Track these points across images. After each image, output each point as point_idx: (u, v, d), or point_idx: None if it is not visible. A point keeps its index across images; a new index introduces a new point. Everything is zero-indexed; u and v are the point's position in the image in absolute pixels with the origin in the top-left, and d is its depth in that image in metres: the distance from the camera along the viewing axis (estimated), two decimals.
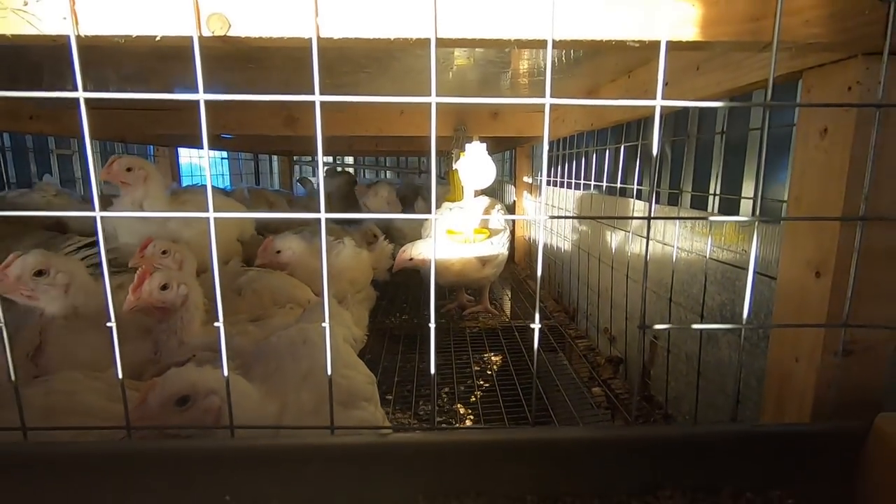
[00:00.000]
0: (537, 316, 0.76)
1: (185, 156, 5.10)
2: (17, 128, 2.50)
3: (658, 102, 0.68)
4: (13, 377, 0.70)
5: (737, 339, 1.29)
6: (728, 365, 1.33)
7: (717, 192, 1.71)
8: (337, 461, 0.77)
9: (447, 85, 1.88)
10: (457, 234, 2.48)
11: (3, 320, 0.68)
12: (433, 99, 0.66)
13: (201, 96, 0.65)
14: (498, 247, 2.50)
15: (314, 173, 7.42)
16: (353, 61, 1.36)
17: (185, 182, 5.11)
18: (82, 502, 0.71)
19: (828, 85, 0.82)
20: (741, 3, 0.66)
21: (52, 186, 2.86)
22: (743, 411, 1.24)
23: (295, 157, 6.89)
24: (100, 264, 0.70)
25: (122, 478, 0.72)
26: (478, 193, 2.63)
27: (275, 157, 7.22)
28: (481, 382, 2.10)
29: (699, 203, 1.92)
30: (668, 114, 2.03)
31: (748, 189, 1.84)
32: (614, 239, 2.15)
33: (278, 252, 2.11)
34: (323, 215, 0.69)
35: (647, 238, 0.72)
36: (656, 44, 0.69)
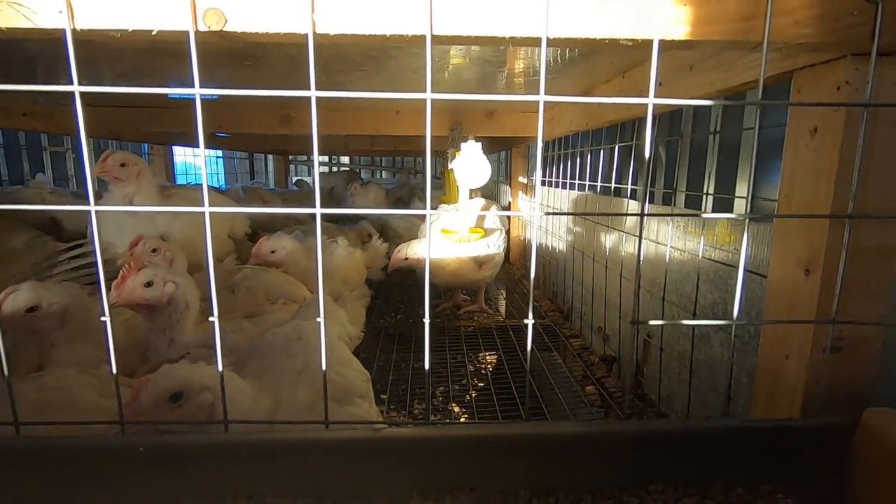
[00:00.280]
0: (531, 313, 0.76)
1: (180, 154, 5.08)
2: (10, 125, 2.49)
3: (651, 100, 0.69)
4: (5, 371, 0.70)
5: (729, 337, 1.30)
6: (720, 363, 1.34)
7: (711, 191, 1.73)
8: (331, 456, 0.77)
9: (443, 84, 1.89)
10: (452, 234, 2.49)
11: None
12: (428, 95, 0.67)
13: (197, 91, 0.65)
14: (493, 247, 2.51)
15: (309, 173, 7.42)
16: (349, 59, 1.36)
17: (180, 181, 5.09)
18: (75, 497, 0.71)
19: (818, 85, 0.84)
20: (732, 3, 0.67)
21: (46, 184, 2.84)
22: (734, 408, 1.25)
23: (290, 157, 6.87)
24: (94, 260, 0.70)
25: (116, 473, 0.72)
26: (473, 193, 2.65)
27: (270, 157, 7.20)
28: (476, 381, 2.10)
29: (693, 203, 1.93)
30: (662, 114, 2.05)
31: (742, 189, 1.86)
32: (608, 239, 2.16)
33: (272, 252, 2.11)
34: (318, 210, 0.69)
35: (640, 235, 0.73)
36: (649, 43, 0.69)
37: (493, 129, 2.71)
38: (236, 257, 2.40)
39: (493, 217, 2.62)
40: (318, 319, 0.73)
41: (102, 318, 0.69)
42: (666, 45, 0.69)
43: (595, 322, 2.31)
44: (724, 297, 1.33)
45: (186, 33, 0.64)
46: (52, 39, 0.71)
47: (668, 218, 1.61)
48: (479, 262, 2.49)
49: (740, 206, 1.64)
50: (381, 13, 0.67)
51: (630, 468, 0.79)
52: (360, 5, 0.66)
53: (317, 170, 0.67)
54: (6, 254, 1.26)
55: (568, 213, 2.33)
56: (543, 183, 3.53)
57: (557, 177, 3.19)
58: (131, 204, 1.99)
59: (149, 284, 1.41)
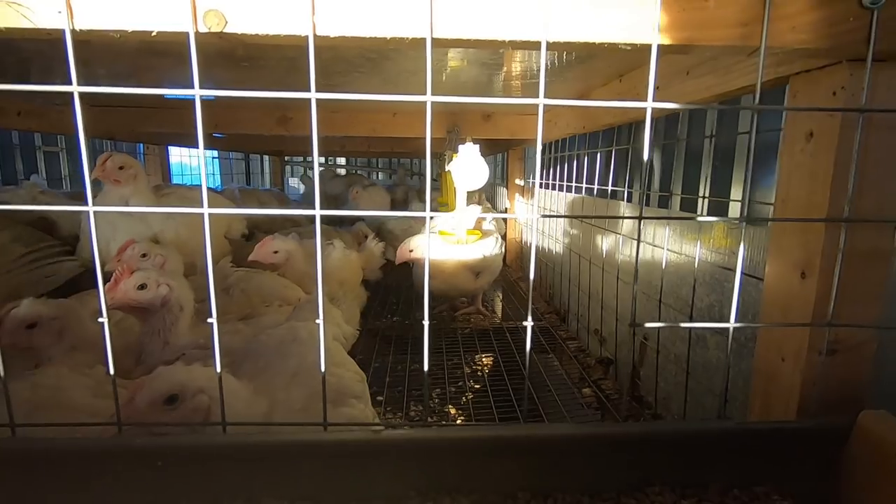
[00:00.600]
0: (529, 315, 0.77)
1: (176, 155, 5.06)
2: (5, 124, 2.46)
3: (649, 104, 0.69)
4: (1, 372, 0.70)
5: (725, 340, 1.31)
6: (716, 365, 1.35)
7: (707, 195, 1.74)
8: (329, 458, 0.77)
9: (441, 86, 1.90)
10: (449, 236, 2.49)
11: None
12: (428, 98, 0.67)
13: (197, 92, 0.65)
14: (490, 248, 2.51)
15: (306, 174, 7.40)
16: (347, 61, 1.36)
17: (176, 181, 5.06)
18: (71, 499, 0.70)
19: (813, 90, 0.84)
20: (731, 8, 0.68)
21: (39, 186, 2.83)
22: (730, 410, 1.25)
23: (286, 158, 6.86)
24: (92, 260, 0.70)
25: (111, 475, 0.72)
26: (470, 194, 2.65)
27: (266, 157, 7.18)
28: (472, 384, 2.10)
29: (689, 206, 1.94)
30: (657, 118, 2.06)
31: (737, 192, 1.88)
32: (605, 241, 2.17)
33: (275, 252, 2.10)
34: (318, 212, 0.69)
35: (638, 238, 0.73)
36: (647, 47, 0.70)
37: (490, 132, 2.71)
38: (231, 259, 2.39)
39: (490, 221, 2.62)
40: (318, 321, 0.73)
41: (100, 320, 0.68)
42: (664, 50, 0.70)
43: (592, 324, 2.31)
44: (720, 299, 1.34)
45: (186, 35, 0.64)
46: (49, 39, 0.71)
47: (665, 221, 1.62)
48: (476, 272, 2.49)
49: (735, 209, 1.65)
50: (381, 16, 0.67)
51: (628, 470, 0.80)
52: (361, 8, 0.66)
53: (316, 171, 0.67)
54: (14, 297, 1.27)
55: (566, 216, 2.34)
56: (540, 186, 3.55)
57: (554, 179, 3.20)
58: (127, 205, 1.98)
59: (142, 287, 1.39)
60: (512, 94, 2.24)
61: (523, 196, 3.85)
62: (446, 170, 2.69)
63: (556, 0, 0.66)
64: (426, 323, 0.75)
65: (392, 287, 3.31)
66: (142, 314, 1.44)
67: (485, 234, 2.55)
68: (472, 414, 1.81)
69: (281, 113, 2.62)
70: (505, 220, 3.98)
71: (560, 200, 2.96)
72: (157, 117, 2.63)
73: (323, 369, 0.75)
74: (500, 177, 4.59)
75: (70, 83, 0.63)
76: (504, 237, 3.01)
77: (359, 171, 7.50)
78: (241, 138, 4.15)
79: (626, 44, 0.70)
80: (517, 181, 3.92)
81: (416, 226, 3.89)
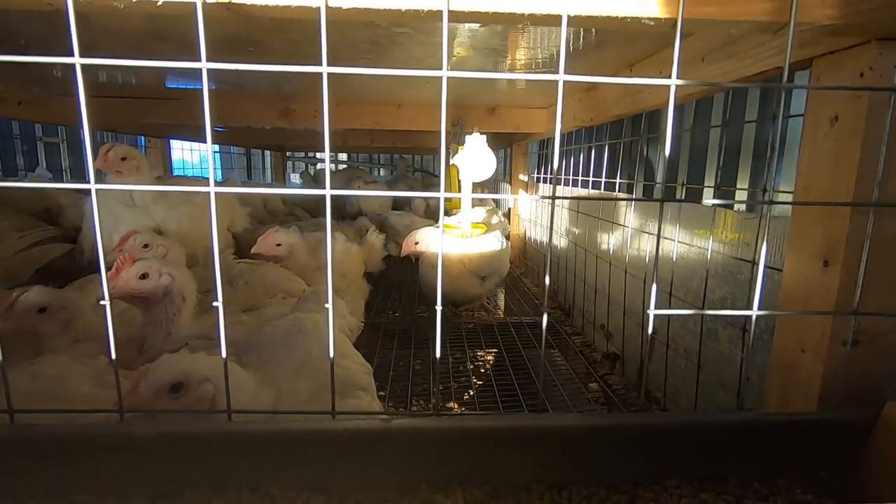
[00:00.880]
0: (545, 305, 0.74)
1: (177, 149, 5.03)
2: (5, 113, 2.44)
3: (673, 82, 0.67)
4: None
5: (737, 333, 1.29)
6: (728, 359, 1.32)
7: (713, 184, 1.72)
8: (337, 447, 0.74)
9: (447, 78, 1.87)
10: (454, 229, 2.46)
11: None
12: (444, 73, 0.65)
13: (204, 65, 0.62)
14: (494, 243, 2.48)
15: (307, 169, 7.37)
16: (354, 46, 1.34)
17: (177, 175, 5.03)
18: (74, 487, 0.68)
19: (838, 72, 0.82)
20: None
21: (43, 177, 2.81)
22: (742, 404, 1.23)
23: (288, 153, 6.82)
24: (94, 245, 0.67)
25: (114, 462, 0.69)
26: (476, 186, 2.62)
27: (267, 152, 7.15)
28: (474, 380, 2.08)
29: (695, 196, 1.92)
30: (663, 109, 2.04)
31: (743, 182, 1.85)
32: (612, 235, 2.15)
33: (278, 245, 2.08)
34: (328, 192, 0.67)
35: (660, 223, 0.71)
36: (671, 22, 0.67)
37: (496, 125, 2.68)
38: (234, 252, 2.37)
39: (498, 218, 2.59)
40: (327, 305, 0.70)
41: (102, 302, 0.66)
42: (690, 25, 0.67)
43: (598, 319, 2.29)
44: (732, 291, 1.31)
45: (193, 4, 0.62)
46: (51, 10, 0.68)
47: (677, 213, 1.59)
48: (482, 276, 2.47)
49: (743, 198, 1.63)
50: None
51: (644, 462, 0.77)
52: None
53: (327, 151, 0.65)
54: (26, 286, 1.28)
55: (584, 199, 2.30)
56: (544, 180, 3.52)
57: (559, 173, 3.17)
58: (130, 196, 1.95)
59: (144, 276, 1.37)
60: (517, 85, 2.21)
61: (527, 192, 3.82)
62: (451, 163, 2.66)
63: None
64: (439, 309, 0.73)
65: (394, 282, 3.29)
66: (144, 304, 1.42)
67: (490, 228, 2.53)
68: (478, 408, 1.79)
69: (284, 105, 2.59)
70: (508, 216, 3.95)
71: (564, 194, 2.93)
72: (159, 108, 2.60)
73: (331, 355, 0.73)
74: (503, 173, 4.56)
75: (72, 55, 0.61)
76: (507, 237, 2.97)
77: (360, 167, 7.47)
78: (243, 132, 4.11)
79: (649, 18, 0.67)
80: (521, 177, 3.90)
81: (418, 222, 3.87)
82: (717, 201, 1.73)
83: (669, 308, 1.58)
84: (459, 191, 2.60)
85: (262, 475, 0.73)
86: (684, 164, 2.13)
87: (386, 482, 0.75)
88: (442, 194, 0.69)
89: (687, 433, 0.78)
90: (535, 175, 3.77)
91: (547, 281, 0.72)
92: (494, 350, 2.32)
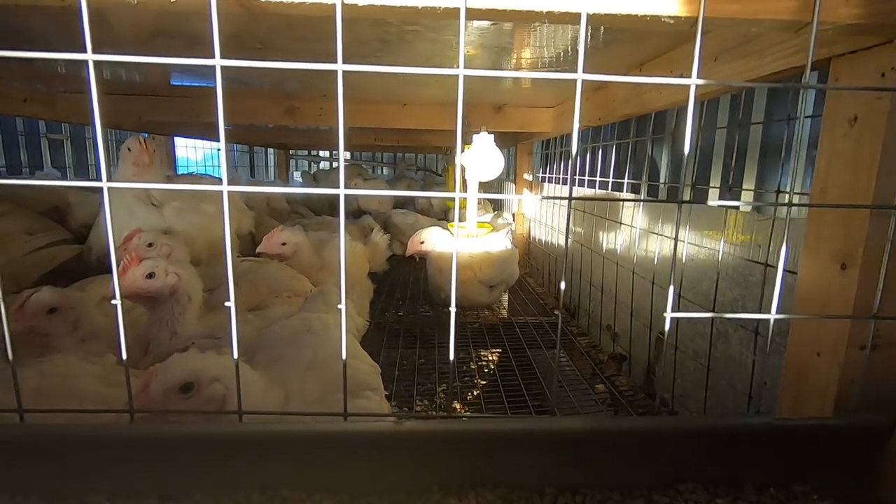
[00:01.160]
0: (560, 305, 0.73)
1: (181, 146, 5.03)
2: (11, 110, 2.43)
3: (693, 81, 0.66)
4: (10, 356, 0.67)
5: (748, 335, 1.27)
6: (738, 362, 1.31)
7: (717, 185, 1.70)
8: (349, 449, 0.74)
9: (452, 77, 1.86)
10: (460, 228, 2.45)
11: (1, 297, 0.64)
12: (461, 71, 0.64)
13: (218, 62, 0.61)
14: (500, 243, 2.47)
15: (310, 168, 7.37)
16: (364, 44, 1.33)
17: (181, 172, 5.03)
18: (84, 488, 0.67)
19: (858, 72, 0.81)
20: None
21: (52, 175, 2.81)
22: (754, 407, 1.22)
23: (291, 151, 6.82)
24: (103, 247, 0.67)
25: (125, 463, 0.69)
26: (482, 185, 2.60)
27: (270, 150, 7.14)
28: (479, 380, 2.07)
29: (702, 197, 1.91)
30: (669, 110, 2.03)
31: (749, 182, 1.84)
32: (619, 236, 2.14)
33: (283, 244, 2.08)
34: (342, 191, 0.66)
35: (678, 222, 0.70)
36: (691, 20, 0.66)
37: (502, 124, 2.67)
38: (239, 253, 2.36)
39: (504, 216, 2.58)
40: (340, 306, 0.69)
41: (113, 302, 0.65)
42: (710, 24, 0.66)
43: (604, 320, 2.28)
44: (743, 293, 1.30)
45: (207, 1, 0.61)
46: (63, 6, 0.67)
47: (687, 214, 1.57)
48: (490, 285, 2.46)
49: (747, 198, 1.61)
50: None
51: (660, 466, 0.77)
52: None
53: (342, 150, 0.64)
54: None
55: (600, 199, 2.28)
56: (549, 180, 3.51)
57: (564, 173, 3.16)
58: (147, 194, 1.96)
59: (150, 276, 1.37)
60: (522, 85, 2.20)
61: (532, 191, 3.81)
62: (454, 163, 2.64)
63: None
64: (452, 311, 0.72)
65: (398, 281, 3.28)
66: (149, 303, 1.41)
67: (497, 227, 2.52)
68: (484, 408, 1.78)
69: (289, 103, 2.58)
70: (513, 216, 3.94)
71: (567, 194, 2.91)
72: (164, 106, 2.59)
73: (344, 356, 0.72)
74: (506, 173, 4.55)
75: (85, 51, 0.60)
76: (512, 233, 2.96)
77: (363, 166, 7.46)
78: (247, 130, 4.11)
79: (669, 16, 0.66)
80: (525, 176, 3.88)
81: (422, 221, 3.86)
82: (734, 203, 1.72)
83: (678, 310, 1.57)
84: (464, 190, 2.59)
85: (273, 476, 0.72)
86: (690, 164, 2.12)
87: (397, 484, 0.74)
88: (457, 194, 0.68)
89: (702, 437, 0.78)
90: (540, 174, 3.76)
91: (562, 285, 0.71)
92: (499, 350, 2.31)
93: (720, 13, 0.65)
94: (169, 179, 2.33)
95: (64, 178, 3.73)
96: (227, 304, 0.68)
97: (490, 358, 2.30)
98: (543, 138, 3.53)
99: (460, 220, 2.50)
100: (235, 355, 0.72)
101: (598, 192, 2.57)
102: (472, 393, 2.03)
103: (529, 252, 3.95)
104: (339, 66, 0.63)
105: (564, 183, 3.11)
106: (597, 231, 2.42)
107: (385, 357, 2.16)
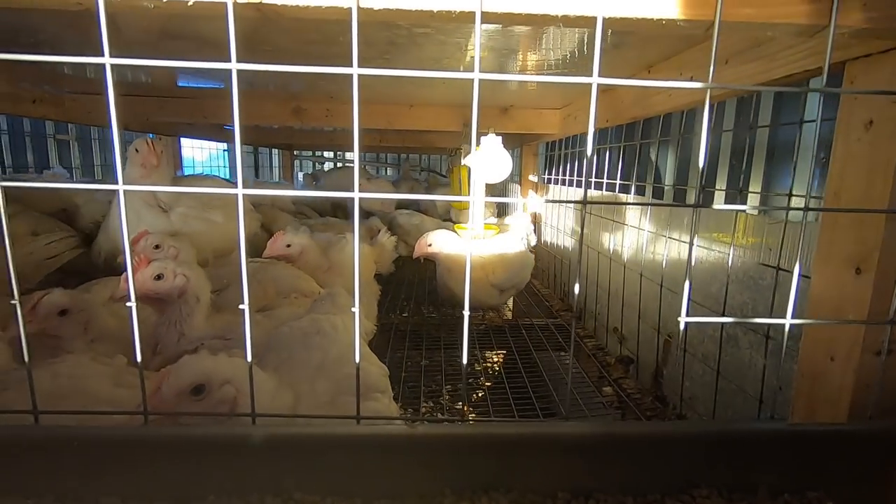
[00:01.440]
0: (575, 308, 0.73)
1: (187, 147, 5.05)
2: (20, 111, 2.45)
3: (709, 85, 0.65)
4: (26, 358, 0.67)
5: (759, 339, 1.27)
6: (749, 365, 1.31)
7: (723, 187, 1.70)
8: (361, 452, 0.74)
9: (458, 81, 1.86)
10: (465, 230, 2.45)
11: (17, 298, 0.64)
12: (476, 75, 0.64)
13: (234, 66, 0.62)
14: (511, 245, 2.46)
15: (314, 168, 7.38)
16: (373, 46, 1.33)
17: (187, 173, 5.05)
18: (96, 490, 0.68)
19: (874, 75, 0.80)
20: None
21: (61, 176, 2.83)
22: (764, 412, 1.21)
23: (296, 152, 6.83)
24: (114, 242, 0.67)
25: (138, 465, 0.69)
26: (488, 187, 2.60)
27: (275, 151, 7.16)
28: (485, 381, 2.07)
29: (708, 199, 1.89)
30: (676, 112, 2.02)
31: (755, 185, 1.83)
32: (627, 237, 2.13)
33: (288, 246, 2.08)
34: (357, 195, 0.66)
35: (693, 228, 0.69)
36: (706, 24, 0.66)
37: (508, 126, 2.67)
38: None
39: (518, 221, 2.56)
40: (354, 309, 0.69)
41: (128, 304, 0.65)
42: (724, 28, 0.66)
43: (610, 322, 2.27)
44: (754, 297, 1.30)
45: (224, 4, 0.61)
46: (79, 10, 0.68)
47: (696, 217, 1.57)
48: (501, 289, 2.45)
49: (753, 201, 1.61)
50: None
51: (672, 471, 0.76)
52: None
53: (357, 152, 0.64)
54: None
55: (614, 203, 2.27)
56: (554, 181, 3.50)
57: (570, 174, 3.16)
58: (153, 196, 1.97)
59: (159, 277, 1.37)
60: (527, 87, 2.20)
61: (537, 192, 3.80)
62: (462, 164, 2.64)
63: None
64: (466, 314, 0.72)
65: (403, 282, 3.28)
66: (158, 305, 1.42)
67: (504, 229, 2.51)
68: (492, 410, 1.77)
69: (296, 104, 2.59)
70: (533, 216, 3.93)
71: (573, 196, 2.91)
72: (171, 107, 2.60)
73: (358, 360, 0.72)
74: (513, 174, 4.54)
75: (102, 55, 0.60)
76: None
77: (366, 167, 7.46)
78: (252, 131, 4.12)
79: (684, 20, 0.66)
80: (531, 177, 3.88)
81: (427, 222, 3.86)
82: (750, 207, 1.71)
83: (687, 314, 1.56)
84: (469, 192, 2.59)
85: (286, 479, 0.73)
86: (696, 167, 2.11)
87: (410, 488, 0.74)
88: (472, 197, 0.68)
89: (717, 442, 0.77)
90: (545, 176, 3.76)
91: (576, 289, 0.70)
92: (505, 352, 2.31)
93: (735, 17, 0.65)
94: (175, 180, 2.34)
95: (71, 178, 3.75)
96: (241, 306, 0.68)
97: (496, 360, 2.30)
98: (551, 139, 3.52)
99: (466, 222, 2.50)
100: (249, 358, 0.72)
101: (605, 194, 2.56)
102: (478, 394, 2.03)
103: (535, 253, 3.94)
104: (355, 70, 0.63)
105: (570, 184, 3.10)
106: (602, 232, 2.41)
107: (391, 358, 2.16)
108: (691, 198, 2.05)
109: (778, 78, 1.03)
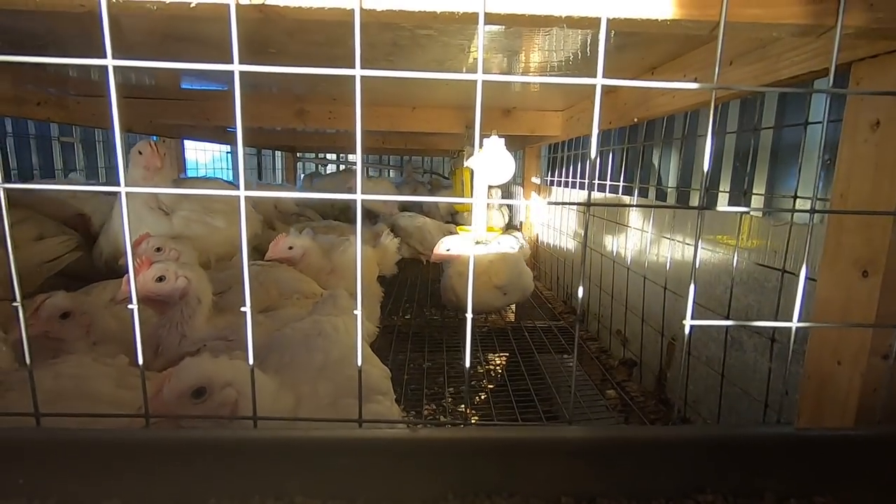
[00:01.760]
0: (580, 311, 0.72)
1: (190, 149, 5.06)
2: (24, 113, 2.45)
3: (714, 86, 0.65)
4: (28, 361, 0.67)
5: (764, 342, 1.26)
6: (753, 369, 1.29)
7: (727, 189, 1.69)
8: (364, 455, 0.73)
9: (461, 82, 1.86)
10: (468, 233, 2.45)
11: (20, 301, 0.64)
12: (479, 76, 0.63)
13: (237, 67, 0.61)
14: (509, 246, 2.46)
15: (317, 169, 7.39)
16: (376, 48, 1.33)
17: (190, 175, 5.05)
18: (97, 493, 0.67)
19: (880, 76, 0.80)
20: None
21: (78, 181, 2.83)
22: (770, 415, 1.20)
23: (298, 154, 6.84)
24: (124, 243, 0.67)
25: (139, 469, 0.69)
26: (491, 188, 2.60)
27: (278, 153, 7.17)
28: (487, 384, 2.06)
29: (712, 200, 1.88)
30: (678, 114, 2.02)
31: (759, 187, 1.82)
32: (629, 239, 2.12)
33: (290, 248, 2.08)
34: (359, 196, 0.66)
35: (698, 231, 0.69)
36: (711, 25, 0.66)
37: (510, 128, 2.67)
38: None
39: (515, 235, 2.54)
40: (355, 312, 0.69)
41: (130, 306, 0.65)
42: (730, 29, 0.65)
43: (613, 325, 2.26)
44: (759, 299, 1.29)
45: (227, 7, 0.61)
46: (83, 12, 0.68)
47: (700, 220, 1.56)
48: (504, 291, 2.45)
49: (757, 203, 1.60)
50: None
51: (677, 475, 0.75)
52: None
53: (359, 154, 0.64)
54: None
55: (619, 206, 2.27)
56: (556, 183, 3.49)
57: (572, 176, 3.15)
58: (155, 199, 1.98)
59: (161, 279, 1.38)
60: (530, 89, 2.20)
61: (539, 194, 3.80)
62: (464, 166, 2.64)
63: None
64: (469, 317, 0.71)
65: (405, 284, 3.28)
66: (159, 306, 1.42)
67: (504, 230, 2.50)
68: (494, 413, 1.77)
69: (299, 106, 2.59)
70: (522, 234, 3.93)
71: (577, 198, 2.90)
72: (175, 109, 2.61)
73: (360, 363, 0.71)
74: (516, 175, 4.53)
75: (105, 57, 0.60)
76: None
77: (369, 169, 7.47)
78: (255, 133, 4.13)
79: (689, 21, 0.65)
80: (534, 179, 3.87)
81: (429, 224, 3.86)
82: (755, 209, 1.70)
83: (692, 316, 1.55)
84: (471, 195, 2.58)
85: (288, 482, 0.72)
86: (699, 169, 2.11)
87: (413, 491, 0.73)
88: (477, 199, 0.68)
89: (722, 446, 0.76)
90: (548, 178, 3.75)
91: (580, 291, 0.70)
92: (507, 354, 2.30)
93: (741, 17, 0.64)
94: (177, 184, 2.35)
95: (77, 182, 3.76)
96: (242, 309, 0.68)
97: (498, 362, 2.29)
98: (553, 141, 3.52)
99: (469, 224, 2.50)
100: (251, 361, 0.72)
101: (608, 196, 2.55)
102: (480, 397, 2.03)
103: (537, 255, 3.94)
104: (357, 72, 0.63)
105: (573, 186, 3.09)
106: (606, 235, 2.40)
107: (393, 360, 2.15)
108: (694, 200, 2.04)
109: (783, 79, 1.02)
